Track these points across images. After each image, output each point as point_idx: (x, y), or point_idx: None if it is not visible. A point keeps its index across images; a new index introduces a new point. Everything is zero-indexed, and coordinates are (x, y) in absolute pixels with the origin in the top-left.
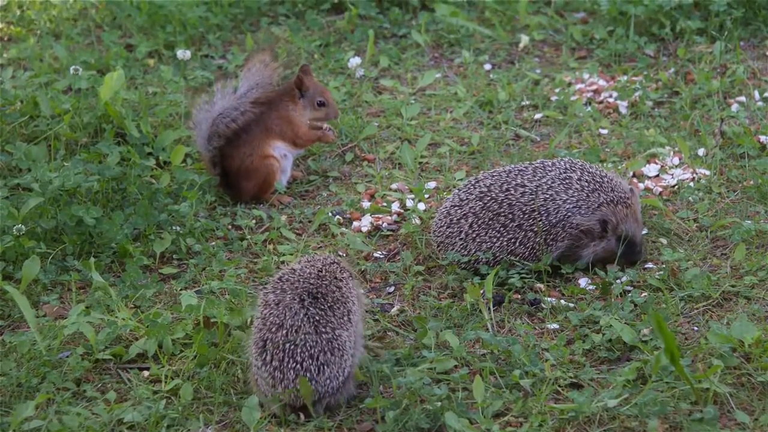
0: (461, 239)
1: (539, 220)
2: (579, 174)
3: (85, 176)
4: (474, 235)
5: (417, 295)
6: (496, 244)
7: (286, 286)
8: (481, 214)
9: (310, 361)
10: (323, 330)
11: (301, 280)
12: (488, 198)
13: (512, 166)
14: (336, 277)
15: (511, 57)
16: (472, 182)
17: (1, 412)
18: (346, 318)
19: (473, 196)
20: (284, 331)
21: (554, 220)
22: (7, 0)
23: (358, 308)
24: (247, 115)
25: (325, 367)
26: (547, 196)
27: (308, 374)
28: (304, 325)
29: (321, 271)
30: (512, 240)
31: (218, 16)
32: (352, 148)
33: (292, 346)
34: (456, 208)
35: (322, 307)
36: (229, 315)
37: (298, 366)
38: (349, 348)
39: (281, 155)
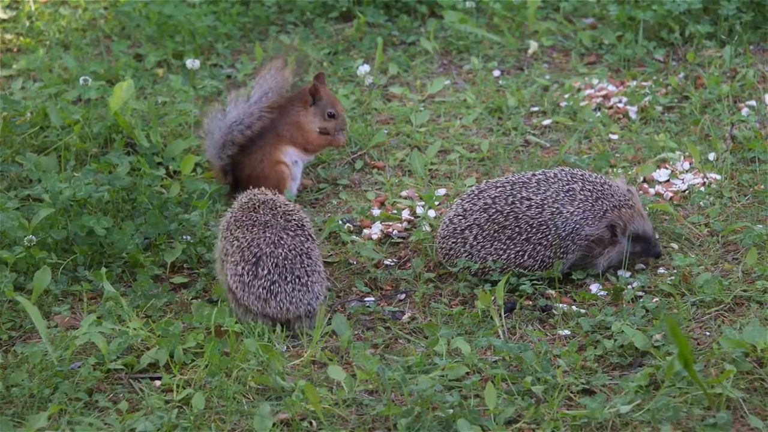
0: (466, 251)
1: (549, 234)
2: (581, 184)
3: (95, 186)
4: (479, 247)
5: (428, 303)
6: (503, 257)
7: (266, 211)
8: (486, 227)
9: (307, 277)
10: (312, 253)
11: (279, 209)
12: (493, 210)
13: (515, 177)
14: (303, 216)
15: (520, 63)
16: (475, 192)
17: (13, 423)
18: (318, 250)
19: (477, 207)
20: (282, 250)
21: (563, 234)
22: (16, 11)
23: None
24: (263, 120)
25: (316, 285)
26: (554, 209)
27: (304, 288)
28: (297, 246)
29: (288, 205)
30: (520, 252)
31: (227, 25)
32: (361, 155)
33: (289, 264)
34: (459, 218)
35: (307, 236)
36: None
37: (296, 278)
38: (323, 275)
39: (292, 162)
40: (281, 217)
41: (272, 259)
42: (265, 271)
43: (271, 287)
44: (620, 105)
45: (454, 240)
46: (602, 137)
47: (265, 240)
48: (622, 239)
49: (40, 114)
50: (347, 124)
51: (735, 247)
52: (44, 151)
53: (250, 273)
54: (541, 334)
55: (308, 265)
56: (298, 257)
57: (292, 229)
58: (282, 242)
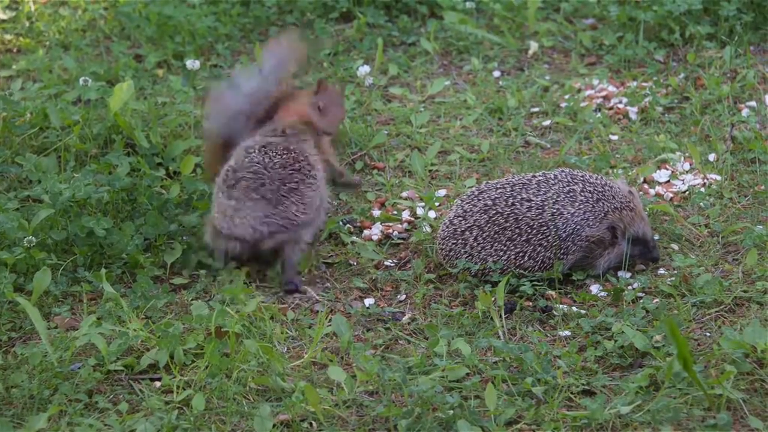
0: (466, 252)
1: (549, 236)
2: (581, 186)
3: (95, 187)
4: (479, 248)
5: (428, 303)
6: (503, 258)
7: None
8: (487, 228)
9: (280, 193)
10: (301, 186)
11: (279, 148)
12: (493, 212)
13: (516, 178)
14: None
15: (521, 64)
16: (475, 193)
17: (13, 424)
18: (316, 185)
19: (477, 209)
20: (262, 167)
21: (564, 234)
22: (15, 12)
23: (323, 173)
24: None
25: (288, 206)
26: (554, 210)
27: (274, 209)
28: (280, 167)
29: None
30: (520, 254)
31: (227, 26)
32: (362, 156)
33: (282, 185)
34: (460, 219)
35: (299, 167)
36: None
37: (269, 192)
38: (316, 204)
39: None
40: (278, 153)
41: (248, 182)
42: (238, 193)
43: (237, 205)
44: (620, 106)
45: (455, 241)
46: (602, 138)
47: (250, 160)
48: (622, 241)
49: (40, 115)
50: (337, 133)
51: (735, 247)
52: (44, 151)
53: (224, 194)
54: (541, 335)
55: (286, 192)
56: (277, 182)
57: (290, 162)
58: (270, 165)
